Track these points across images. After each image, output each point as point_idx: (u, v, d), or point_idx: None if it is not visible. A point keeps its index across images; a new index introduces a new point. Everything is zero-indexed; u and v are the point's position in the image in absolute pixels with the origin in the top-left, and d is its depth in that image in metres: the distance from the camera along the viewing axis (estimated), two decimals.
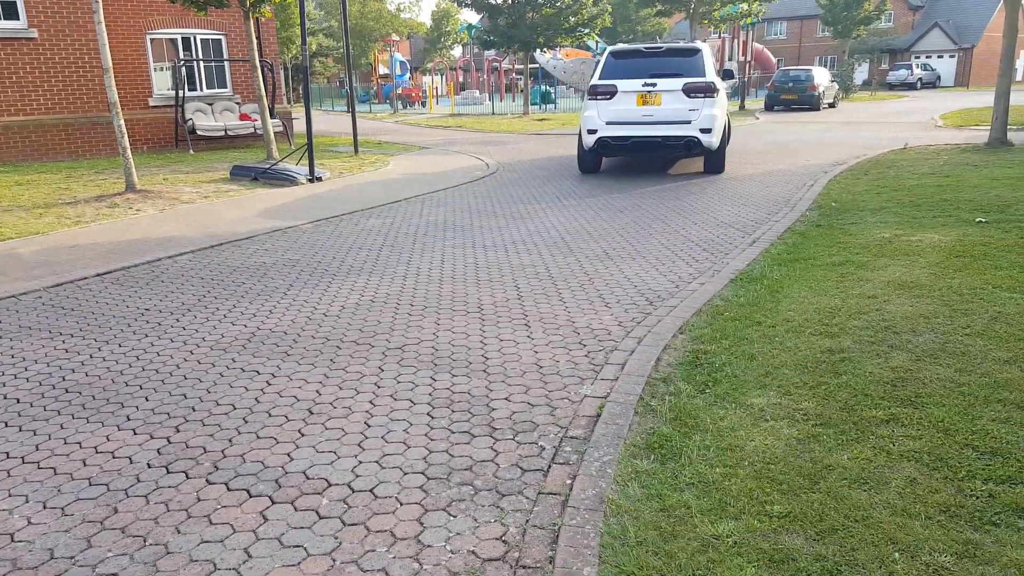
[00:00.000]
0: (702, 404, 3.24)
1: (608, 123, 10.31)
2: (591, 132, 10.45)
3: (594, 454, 2.84)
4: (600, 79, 10.53)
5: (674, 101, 10.14)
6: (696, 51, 10.70)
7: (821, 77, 27.34)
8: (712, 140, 10.10)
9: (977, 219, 6.72)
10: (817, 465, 2.68)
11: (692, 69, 10.38)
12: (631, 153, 11.13)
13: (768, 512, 2.41)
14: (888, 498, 2.46)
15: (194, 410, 3.41)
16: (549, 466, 2.82)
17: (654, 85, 10.20)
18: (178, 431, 3.21)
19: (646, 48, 11.00)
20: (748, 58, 32.91)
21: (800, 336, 3.99)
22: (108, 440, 3.14)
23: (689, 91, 10.09)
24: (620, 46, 11.21)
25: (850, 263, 5.43)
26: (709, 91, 10.10)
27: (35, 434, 3.21)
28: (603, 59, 10.87)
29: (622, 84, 10.34)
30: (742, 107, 27.54)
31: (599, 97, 10.46)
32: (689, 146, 10.20)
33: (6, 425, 3.31)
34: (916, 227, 6.55)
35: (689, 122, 10.05)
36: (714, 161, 10.80)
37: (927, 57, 51.05)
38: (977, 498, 2.44)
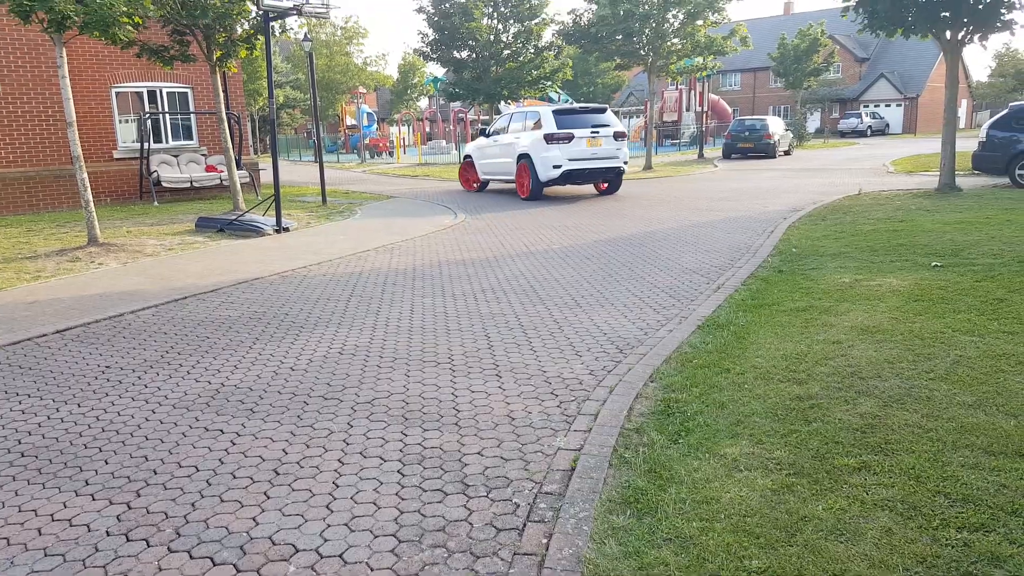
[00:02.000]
0: (676, 455, 3.23)
1: (570, 159, 14.11)
2: (556, 167, 14.07)
3: (570, 510, 2.80)
4: (558, 128, 14.13)
5: (608, 143, 14.44)
6: (605, 108, 15.30)
7: (776, 126, 28.27)
8: (625, 169, 15.06)
9: (932, 263, 6.93)
10: (793, 517, 2.67)
11: (606, 120, 14.73)
12: (581, 181, 14.87)
13: (747, 568, 2.38)
14: (865, 550, 2.46)
15: (155, 473, 3.29)
16: (524, 524, 2.76)
17: (598, 132, 14.34)
18: (139, 496, 3.08)
19: (579, 107, 15.18)
20: (705, 108, 33.99)
21: (769, 383, 4.02)
22: (65, 507, 3.00)
23: (616, 136, 14.53)
24: (558, 106, 15.69)
25: (813, 308, 5.54)
26: (624, 136, 14.80)
27: None
28: (549, 116, 14.38)
29: (577, 132, 14.14)
30: (701, 155, 28.30)
31: (560, 141, 14.07)
32: (617, 173, 14.94)
33: None
34: (875, 272, 6.73)
35: (617, 157, 14.61)
36: (616, 184, 15.56)
37: (875, 106, 53.32)
38: (953, 547, 2.45)
